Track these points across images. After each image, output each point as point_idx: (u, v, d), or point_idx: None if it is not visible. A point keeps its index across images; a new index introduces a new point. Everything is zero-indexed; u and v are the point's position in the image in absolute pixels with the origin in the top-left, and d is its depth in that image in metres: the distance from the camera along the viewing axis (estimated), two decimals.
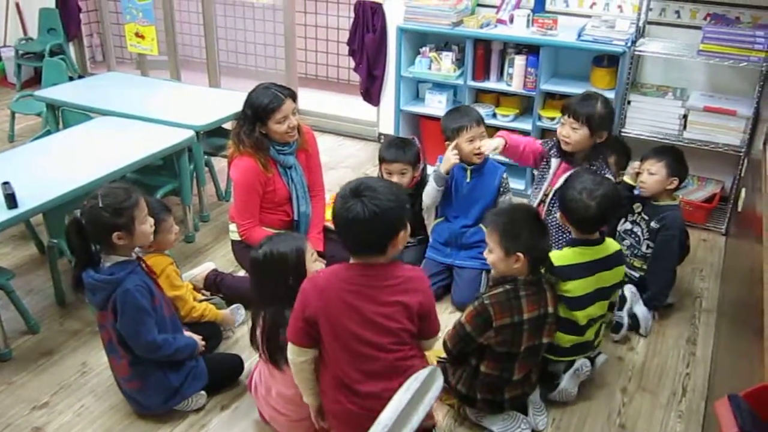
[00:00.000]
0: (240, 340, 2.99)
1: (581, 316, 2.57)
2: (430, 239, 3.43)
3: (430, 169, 3.43)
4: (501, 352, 2.37)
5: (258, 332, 2.35)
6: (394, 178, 3.28)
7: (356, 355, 2.07)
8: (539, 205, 3.24)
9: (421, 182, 3.39)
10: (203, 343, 2.66)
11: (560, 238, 3.05)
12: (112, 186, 2.47)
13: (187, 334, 2.62)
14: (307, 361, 2.15)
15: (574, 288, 2.54)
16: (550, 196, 3.15)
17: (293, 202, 3.31)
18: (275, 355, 2.28)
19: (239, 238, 3.31)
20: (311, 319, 2.06)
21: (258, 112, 3.09)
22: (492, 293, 2.36)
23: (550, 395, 2.65)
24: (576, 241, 2.62)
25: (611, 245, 2.66)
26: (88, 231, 2.34)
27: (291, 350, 2.15)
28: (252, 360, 2.75)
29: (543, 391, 2.65)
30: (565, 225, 2.71)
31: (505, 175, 3.32)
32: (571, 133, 3.04)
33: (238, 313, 3.08)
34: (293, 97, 3.16)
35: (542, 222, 2.46)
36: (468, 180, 3.29)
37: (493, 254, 2.41)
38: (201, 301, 2.97)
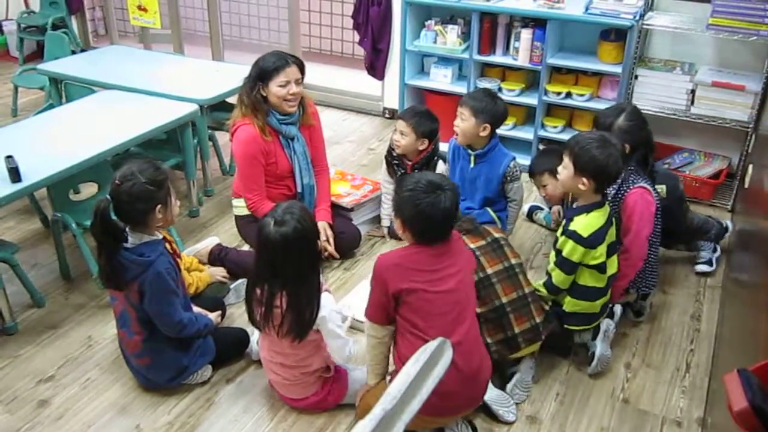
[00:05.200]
0: (245, 314, 2.98)
1: (608, 277, 2.63)
2: None
3: (443, 146, 3.42)
4: (486, 312, 2.44)
5: (275, 311, 2.27)
6: (396, 136, 3.29)
7: (445, 315, 2.16)
8: None
9: (431, 156, 3.35)
10: (219, 320, 2.70)
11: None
12: (138, 162, 2.39)
13: (196, 309, 2.63)
14: (387, 335, 2.26)
15: (602, 251, 2.56)
16: None
17: (296, 174, 3.27)
18: (301, 330, 2.26)
19: (243, 213, 3.30)
20: (395, 295, 2.14)
21: (261, 71, 3.07)
22: None
23: (590, 371, 2.67)
24: (591, 206, 2.56)
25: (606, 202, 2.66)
26: (128, 209, 2.32)
27: (372, 328, 2.25)
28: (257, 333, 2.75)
29: (579, 368, 2.72)
30: (576, 194, 2.61)
31: (512, 164, 3.17)
32: None
33: (243, 287, 3.08)
34: (300, 66, 3.11)
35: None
36: (472, 165, 3.22)
37: None
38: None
